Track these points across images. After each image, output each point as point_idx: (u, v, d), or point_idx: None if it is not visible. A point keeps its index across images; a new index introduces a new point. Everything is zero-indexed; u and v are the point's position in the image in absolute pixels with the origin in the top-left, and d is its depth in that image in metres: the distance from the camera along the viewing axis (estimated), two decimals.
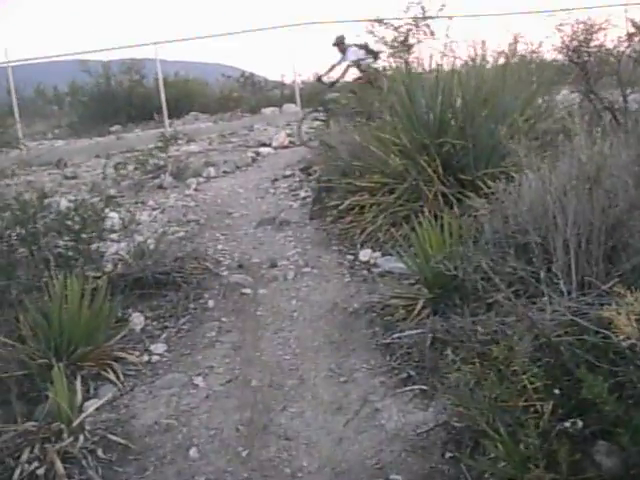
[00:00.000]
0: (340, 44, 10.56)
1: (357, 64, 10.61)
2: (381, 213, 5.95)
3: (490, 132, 5.81)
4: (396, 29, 10.42)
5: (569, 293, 3.50)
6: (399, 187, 5.95)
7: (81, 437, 3.57)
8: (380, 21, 10.48)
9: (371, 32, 10.37)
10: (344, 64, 10.67)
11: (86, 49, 27.06)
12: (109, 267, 5.52)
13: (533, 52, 8.45)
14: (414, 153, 5.99)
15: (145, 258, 5.55)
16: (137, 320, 5.04)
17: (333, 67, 10.91)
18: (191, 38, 19.69)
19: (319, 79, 10.73)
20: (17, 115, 18.94)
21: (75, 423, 3.62)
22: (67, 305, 4.33)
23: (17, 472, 3.30)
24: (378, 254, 5.75)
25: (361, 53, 10.55)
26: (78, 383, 3.99)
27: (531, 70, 7.69)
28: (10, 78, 19.59)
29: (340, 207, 6.54)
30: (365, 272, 5.63)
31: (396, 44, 10.08)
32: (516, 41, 6.83)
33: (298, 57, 20.89)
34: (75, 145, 17.25)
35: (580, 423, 2.66)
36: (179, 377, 4.32)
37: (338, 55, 10.78)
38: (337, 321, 4.86)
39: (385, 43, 10.24)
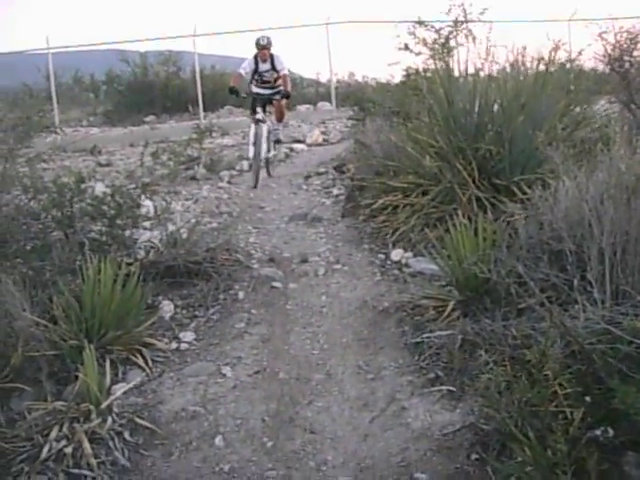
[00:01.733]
0: (265, 48, 10.22)
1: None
2: (414, 214, 5.95)
3: (527, 138, 5.78)
4: (437, 31, 10.37)
5: (603, 302, 3.48)
6: (433, 189, 5.94)
7: (109, 419, 3.61)
8: (421, 23, 10.41)
9: (412, 33, 10.30)
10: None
11: (124, 39, 27.30)
12: (142, 254, 5.56)
13: (573, 60, 8.41)
14: (450, 156, 5.97)
15: (177, 247, 5.59)
16: (167, 308, 5.09)
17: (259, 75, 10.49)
18: (228, 32, 19.76)
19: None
20: (55, 101, 19.16)
21: (103, 405, 3.66)
22: (99, 289, 4.37)
23: (45, 449, 3.34)
24: (410, 254, 5.75)
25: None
26: (107, 366, 4.04)
27: (570, 78, 7.65)
28: (50, 65, 19.86)
29: (373, 206, 6.55)
30: (396, 272, 5.64)
31: (436, 46, 10.03)
32: (556, 48, 6.77)
33: (335, 55, 20.88)
34: (109, 133, 17.44)
35: (611, 432, 2.65)
36: (207, 366, 4.35)
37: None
38: (366, 319, 4.87)
39: (425, 45, 10.19)
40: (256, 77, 10.42)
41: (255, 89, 10.52)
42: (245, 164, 11.02)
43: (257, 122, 10.04)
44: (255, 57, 10.29)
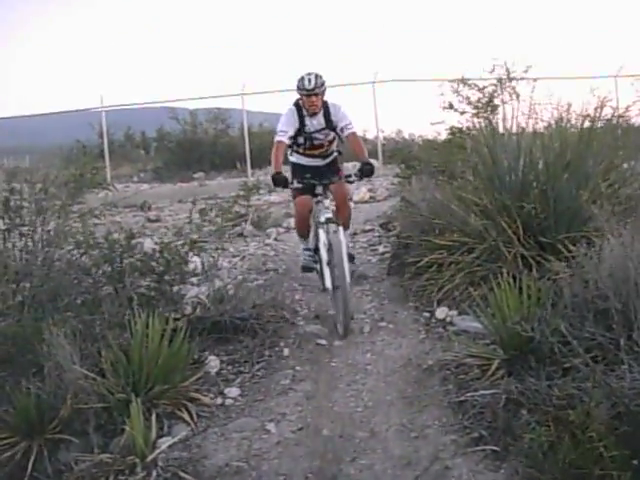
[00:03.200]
0: (314, 94, 6.52)
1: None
2: (459, 272, 5.94)
3: (572, 196, 5.78)
4: (480, 90, 10.44)
5: None
6: (478, 247, 5.94)
7: (154, 472, 3.67)
8: (464, 82, 10.49)
9: (456, 92, 10.40)
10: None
11: (175, 97, 27.98)
12: (189, 309, 5.66)
13: (620, 116, 8.39)
14: (495, 214, 5.99)
15: (224, 303, 5.68)
16: (213, 363, 5.15)
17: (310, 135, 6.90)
18: (276, 90, 20.13)
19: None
20: (107, 157, 19.66)
21: (149, 458, 3.72)
22: (147, 344, 4.46)
23: None
24: (454, 312, 5.74)
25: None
26: (153, 420, 4.09)
27: (617, 134, 7.63)
28: (103, 122, 20.44)
29: (419, 264, 6.55)
30: (441, 330, 5.63)
31: (480, 105, 10.10)
32: (602, 104, 6.78)
33: (382, 113, 21.09)
34: (159, 189, 17.77)
35: None
36: (251, 421, 4.38)
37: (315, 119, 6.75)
38: (411, 377, 4.86)
39: (469, 103, 10.27)
40: (300, 141, 6.88)
41: (299, 159, 7.14)
42: (292, 221, 9.23)
43: (327, 222, 6.15)
44: (298, 108, 6.71)
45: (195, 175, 20.89)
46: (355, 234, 9.85)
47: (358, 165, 6.53)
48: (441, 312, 5.84)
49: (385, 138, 22.18)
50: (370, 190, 14.04)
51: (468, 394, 4.26)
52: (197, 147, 22.65)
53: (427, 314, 5.99)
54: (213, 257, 6.30)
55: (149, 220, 12.42)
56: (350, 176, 6.55)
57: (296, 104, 6.77)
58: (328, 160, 7.15)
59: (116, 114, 23.57)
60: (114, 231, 5.98)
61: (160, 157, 23.72)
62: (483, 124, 7.53)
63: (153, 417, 4.12)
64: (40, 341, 4.44)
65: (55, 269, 5.30)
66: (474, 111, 10.06)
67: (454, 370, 4.70)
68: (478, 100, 10.29)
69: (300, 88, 6.53)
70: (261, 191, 14.08)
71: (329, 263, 6.05)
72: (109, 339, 4.52)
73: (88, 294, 5.21)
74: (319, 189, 6.56)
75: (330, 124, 6.75)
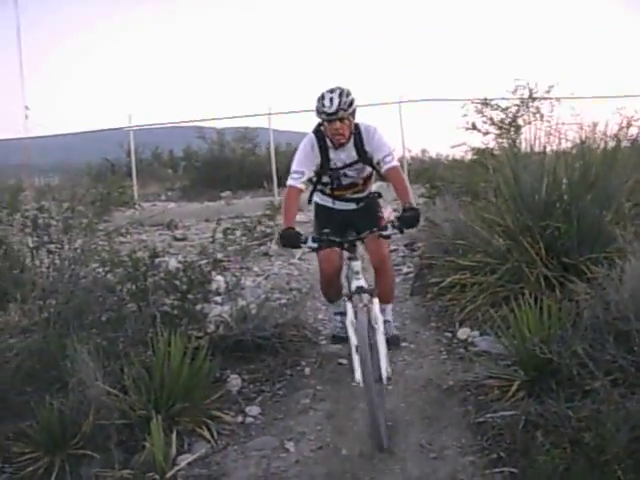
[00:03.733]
0: (339, 118, 4.84)
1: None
2: (481, 293, 5.94)
3: (595, 216, 5.76)
4: (503, 110, 10.45)
5: None
6: (501, 268, 5.93)
7: None
8: (487, 103, 10.49)
9: (480, 112, 10.40)
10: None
11: (202, 116, 28.29)
12: (211, 328, 5.71)
13: None
14: (517, 234, 5.98)
15: (247, 322, 5.71)
16: (234, 382, 5.19)
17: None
18: (303, 110, 20.23)
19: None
20: (134, 176, 19.88)
21: (169, 475, 3.77)
22: (169, 361, 4.50)
23: None
24: (476, 333, 5.74)
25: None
26: (174, 437, 4.14)
27: None
28: (131, 141, 20.69)
29: (441, 284, 6.57)
30: (462, 350, 5.62)
31: (504, 125, 10.10)
32: (628, 124, 6.76)
33: (408, 132, 21.12)
34: (186, 208, 17.91)
35: None
36: (271, 440, 4.40)
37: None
38: (431, 397, 4.85)
39: (493, 124, 10.26)
40: (325, 180, 5.33)
41: (324, 200, 5.57)
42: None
43: (357, 292, 4.59)
44: (319, 138, 5.07)
45: (222, 194, 21.01)
46: None
47: (397, 210, 5.03)
48: (463, 333, 5.84)
49: (412, 158, 22.18)
50: (395, 210, 14.04)
51: (488, 415, 4.26)
52: (224, 166, 22.82)
53: (449, 334, 5.99)
54: (236, 276, 6.33)
55: (175, 239, 12.52)
56: (386, 227, 4.61)
57: (317, 131, 5.06)
58: (363, 203, 5.48)
59: (145, 133, 23.88)
60: (138, 249, 6.05)
61: (187, 176, 23.92)
62: (506, 144, 7.53)
63: (174, 434, 4.18)
64: (64, 357, 4.52)
65: (80, 286, 5.38)
66: (497, 132, 10.06)
67: (474, 391, 4.70)
68: (501, 120, 10.28)
69: (320, 111, 4.78)
70: None
71: (358, 349, 4.21)
72: (132, 356, 4.59)
73: (112, 312, 5.27)
74: (353, 255, 4.73)
75: (364, 156, 5.03)
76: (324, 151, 5.05)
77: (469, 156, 10.55)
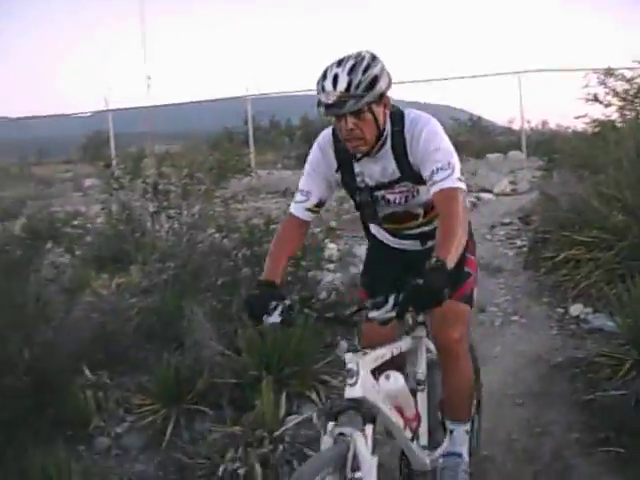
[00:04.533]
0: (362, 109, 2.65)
1: None
2: (597, 269, 5.81)
3: None
4: (628, 81, 9.93)
5: None
6: (618, 244, 5.78)
7: (280, 447, 3.88)
8: (610, 73, 9.99)
9: (603, 83, 9.94)
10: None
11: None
12: (323, 295, 5.81)
13: None
14: (637, 210, 5.80)
15: (358, 289, 5.78)
16: (343, 347, 5.26)
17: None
18: (424, 80, 20.03)
19: None
20: (251, 144, 20.20)
21: (276, 433, 3.93)
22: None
23: (221, 469, 3.72)
24: (589, 310, 5.62)
25: None
26: (283, 398, 4.28)
27: None
28: (249, 110, 21.00)
29: (555, 259, 6.45)
30: (574, 327, 5.53)
31: (628, 96, 9.63)
32: None
33: (527, 104, 20.54)
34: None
35: None
36: None
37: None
38: (539, 373, 4.81)
39: (616, 95, 9.80)
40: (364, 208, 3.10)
41: (381, 234, 3.34)
42: None
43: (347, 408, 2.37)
44: (336, 138, 2.98)
45: None
46: (494, 227, 9.67)
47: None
48: (575, 309, 5.74)
49: (531, 129, 21.60)
50: (512, 182, 13.77)
51: (597, 393, 4.20)
52: None
53: (561, 310, 5.89)
54: (348, 244, 6.42)
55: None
56: (384, 302, 2.42)
57: (332, 137, 3.08)
58: (433, 242, 2.81)
59: (262, 101, 24.17)
60: (254, 216, 6.22)
61: (304, 144, 24.10)
62: (630, 116, 7.27)
63: (283, 396, 4.32)
64: (181, 318, 4.74)
65: (197, 251, 5.60)
66: (620, 103, 9.63)
67: (584, 368, 4.63)
68: (625, 91, 9.82)
69: (318, 101, 2.85)
70: None
71: None
72: (245, 320, 4.74)
73: (227, 276, 5.46)
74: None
75: (408, 171, 2.86)
76: (345, 160, 2.96)
77: (590, 129, 10.16)
